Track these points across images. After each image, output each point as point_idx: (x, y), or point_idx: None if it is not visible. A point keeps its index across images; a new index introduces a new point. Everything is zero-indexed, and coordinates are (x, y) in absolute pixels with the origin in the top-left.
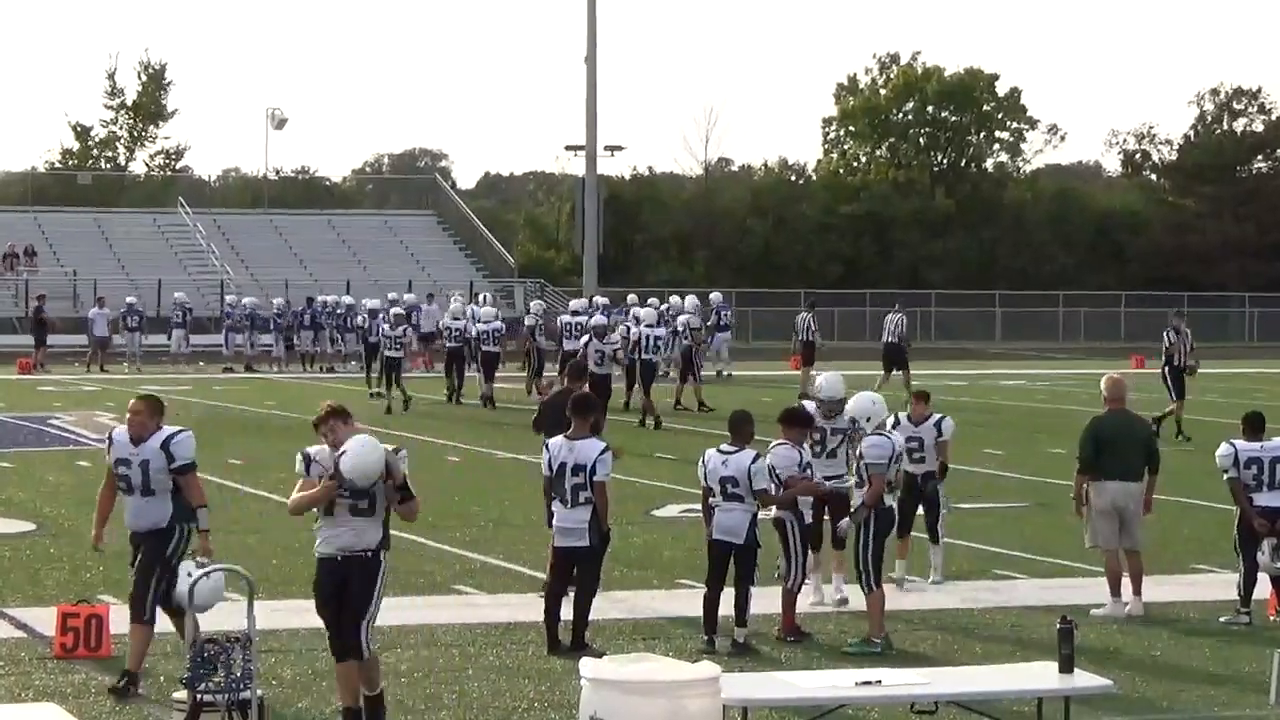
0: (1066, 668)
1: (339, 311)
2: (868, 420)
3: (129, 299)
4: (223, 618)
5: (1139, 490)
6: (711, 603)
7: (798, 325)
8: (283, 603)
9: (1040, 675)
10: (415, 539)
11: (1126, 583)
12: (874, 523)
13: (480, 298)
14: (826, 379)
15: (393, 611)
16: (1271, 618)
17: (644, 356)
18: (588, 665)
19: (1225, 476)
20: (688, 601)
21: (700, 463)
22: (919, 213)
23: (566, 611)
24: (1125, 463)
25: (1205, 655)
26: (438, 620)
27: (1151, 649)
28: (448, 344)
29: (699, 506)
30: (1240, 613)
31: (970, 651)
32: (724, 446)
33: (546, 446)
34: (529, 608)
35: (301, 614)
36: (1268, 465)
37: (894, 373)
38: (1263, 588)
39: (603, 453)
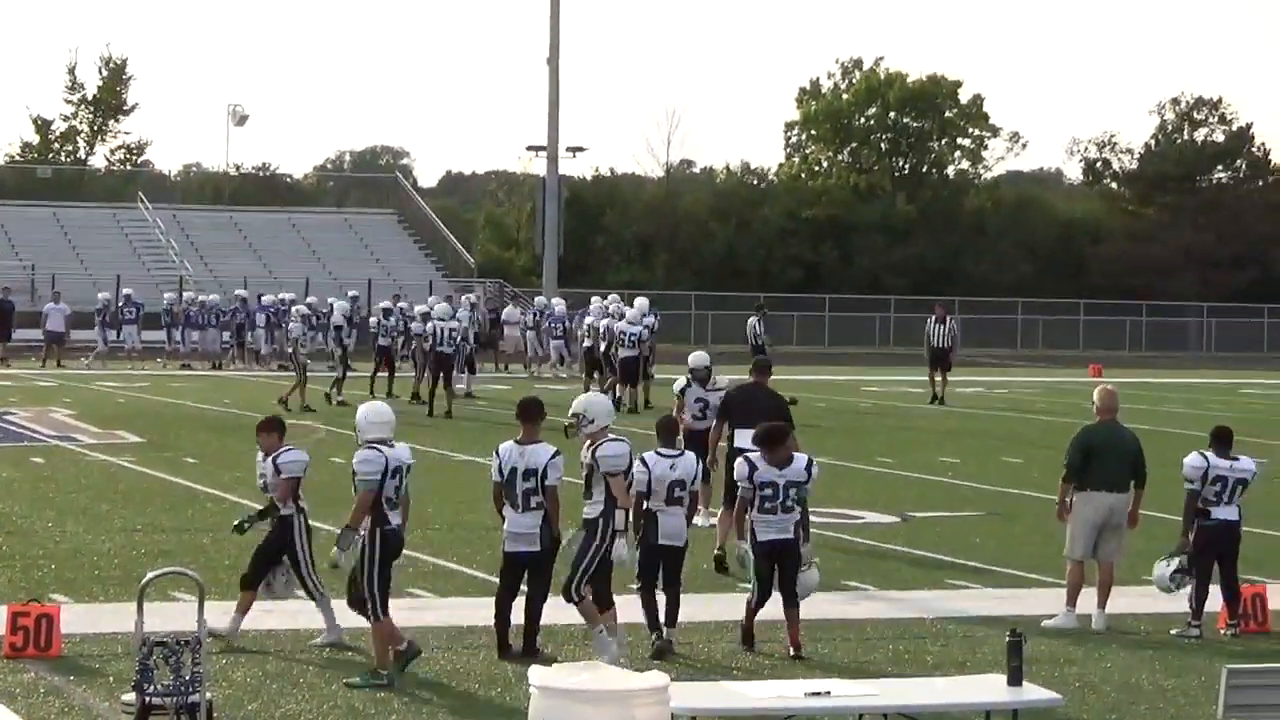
0: (1015, 680)
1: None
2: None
3: (125, 291)
4: (174, 619)
5: (1125, 502)
6: (651, 604)
7: (747, 330)
8: (236, 604)
9: (989, 688)
10: None
11: (1086, 596)
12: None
13: (461, 299)
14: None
15: (343, 614)
16: (1222, 631)
17: (622, 354)
18: (536, 673)
19: (1186, 486)
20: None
21: (640, 467)
22: (880, 218)
23: (518, 616)
24: (1113, 474)
25: (1156, 668)
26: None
27: (1102, 661)
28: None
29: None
30: (1192, 625)
31: (921, 662)
32: (662, 451)
33: (496, 452)
34: (481, 612)
35: (253, 616)
36: (1231, 484)
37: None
38: (1214, 601)
39: (553, 457)
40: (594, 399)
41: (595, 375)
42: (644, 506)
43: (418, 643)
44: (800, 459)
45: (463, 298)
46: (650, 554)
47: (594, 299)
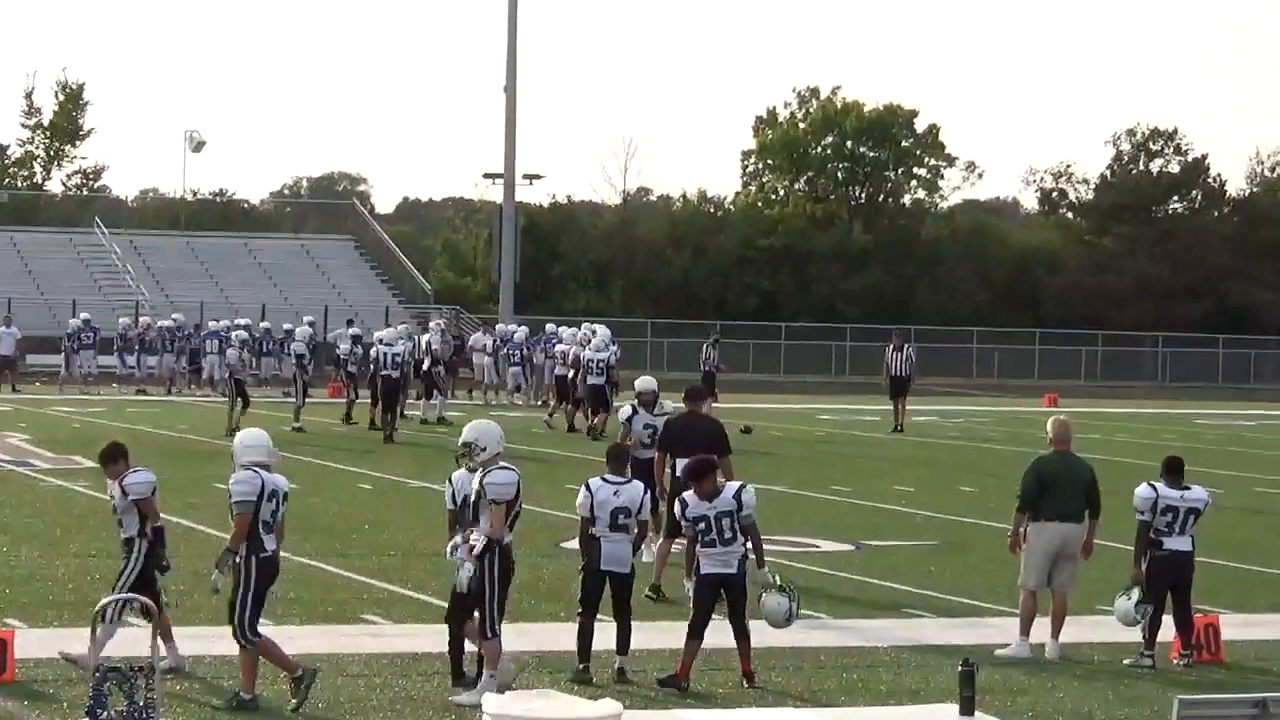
0: (967, 710)
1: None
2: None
3: (83, 315)
4: (127, 645)
5: (1079, 532)
6: (588, 631)
7: (701, 357)
8: (188, 629)
9: (942, 717)
10: (324, 567)
11: (1039, 625)
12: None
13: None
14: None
15: (299, 640)
16: (1175, 661)
17: (591, 381)
18: (490, 701)
19: (1138, 517)
20: (596, 635)
21: (584, 492)
22: (836, 247)
23: (471, 643)
24: (1067, 504)
25: (1109, 698)
26: (344, 649)
27: (1055, 690)
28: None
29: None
30: (1144, 655)
31: (874, 691)
32: (609, 477)
33: (450, 480)
34: (435, 638)
35: (205, 641)
36: (1183, 514)
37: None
38: (1167, 630)
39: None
40: (485, 426)
41: (564, 403)
42: (589, 532)
43: (310, 667)
44: (730, 488)
45: (430, 323)
46: (593, 579)
47: (564, 328)
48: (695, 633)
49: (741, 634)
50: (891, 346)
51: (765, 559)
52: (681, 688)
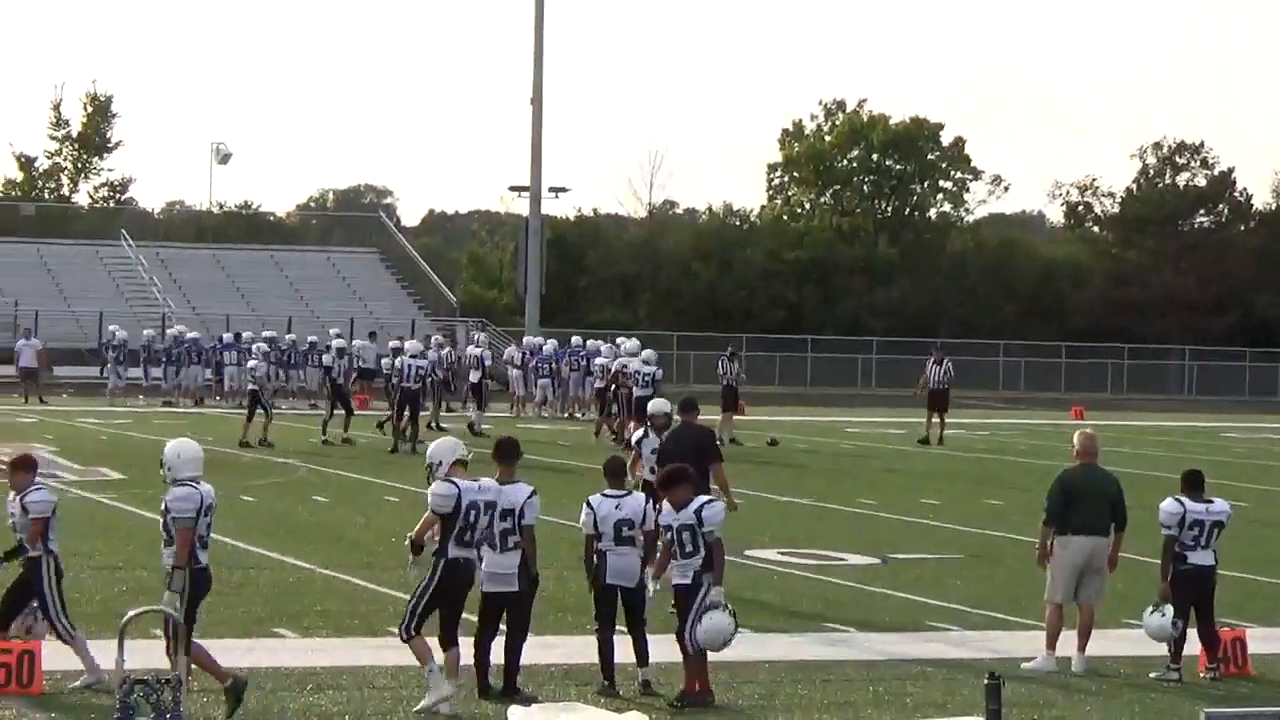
0: None
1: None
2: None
3: (113, 328)
4: (155, 657)
5: (1105, 545)
6: (608, 646)
7: (719, 372)
8: (215, 642)
9: None
10: (351, 580)
11: (1065, 639)
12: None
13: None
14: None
15: (326, 653)
16: (1202, 674)
17: (637, 393)
18: (516, 713)
19: (1164, 532)
20: (622, 647)
21: (585, 510)
22: (862, 260)
23: (498, 656)
24: (1093, 518)
25: (1135, 712)
26: (371, 662)
27: (1082, 704)
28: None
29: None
30: (1171, 669)
31: (900, 704)
32: (608, 492)
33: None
34: (460, 651)
35: (234, 653)
36: (1208, 528)
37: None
38: (1193, 644)
39: (530, 496)
40: (442, 444)
41: (607, 413)
42: (595, 547)
43: (244, 678)
44: (695, 502)
45: (477, 335)
46: (603, 594)
47: (603, 343)
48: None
49: (694, 649)
50: (932, 360)
51: (721, 579)
52: (706, 702)
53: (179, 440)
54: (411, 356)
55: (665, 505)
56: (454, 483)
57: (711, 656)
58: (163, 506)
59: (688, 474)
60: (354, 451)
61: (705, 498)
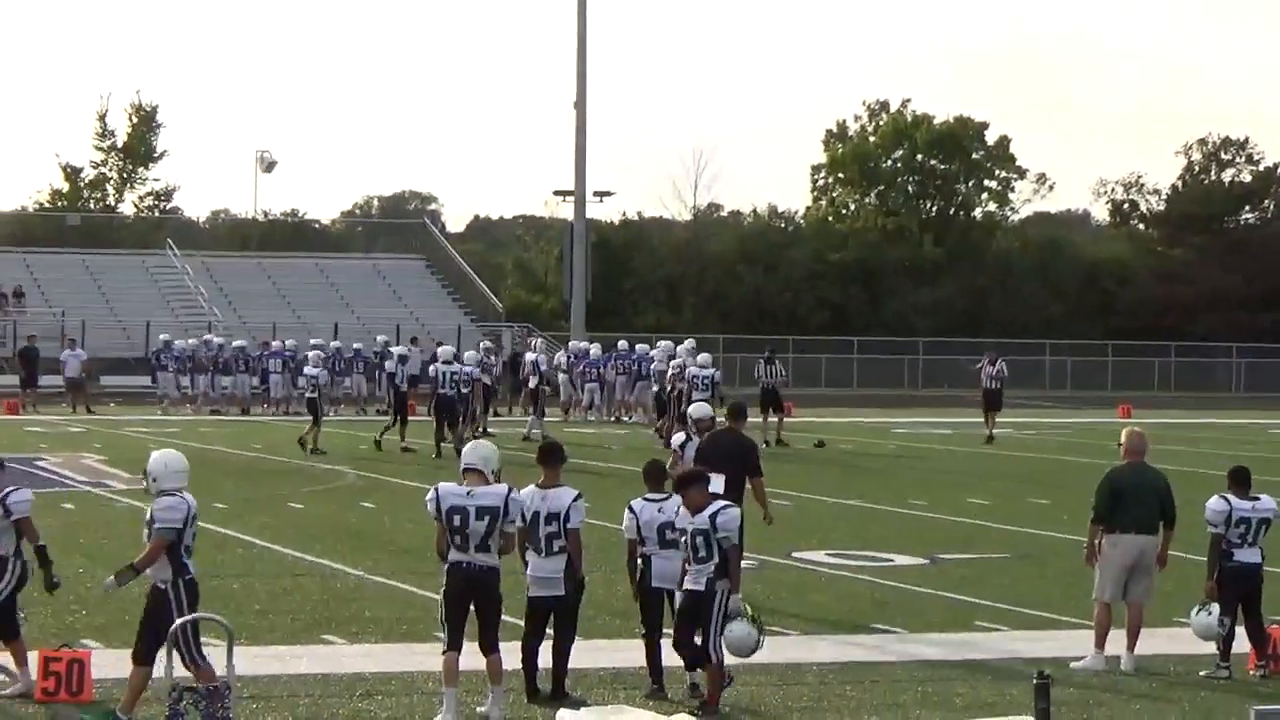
0: None
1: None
2: (154, 480)
3: (164, 337)
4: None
5: (1154, 544)
6: (655, 649)
7: (756, 375)
8: (265, 649)
9: None
10: (400, 586)
11: (1114, 637)
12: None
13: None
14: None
15: (374, 659)
16: (1251, 672)
17: (696, 397)
18: (565, 716)
19: (1210, 530)
20: (670, 650)
21: (628, 515)
22: (908, 261)
23: (545, 659)
24: (1142, 516)
25: (1184, 709)
26: (419, 667)
27: (1131, 703)
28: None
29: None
30: (1220, 666)
31: (950, 704)
32: (650, 496)
33: (518, 497)
34: (509, 655)
35: (283, 660)
36: (1255, 525)
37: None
38: (1242, 642)
39: (575, 500)
40: (478, 447)
41: (664, 418)
42: (638, 551)
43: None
44: (712, 506)
45: (534, 342)
46: (648, 598)
47: (656, 347)
48: (675, 643)
49: (705, 658)
50: (986, 360)
51: (739, 586)
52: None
53: (165, 451)
54: (444, 363)
55: (682, 508)
56: (434, 488)
57: (755, 658)
58: (147, 516)
59: (703, 477)
60: (402, 458)
61: (722, 503)
